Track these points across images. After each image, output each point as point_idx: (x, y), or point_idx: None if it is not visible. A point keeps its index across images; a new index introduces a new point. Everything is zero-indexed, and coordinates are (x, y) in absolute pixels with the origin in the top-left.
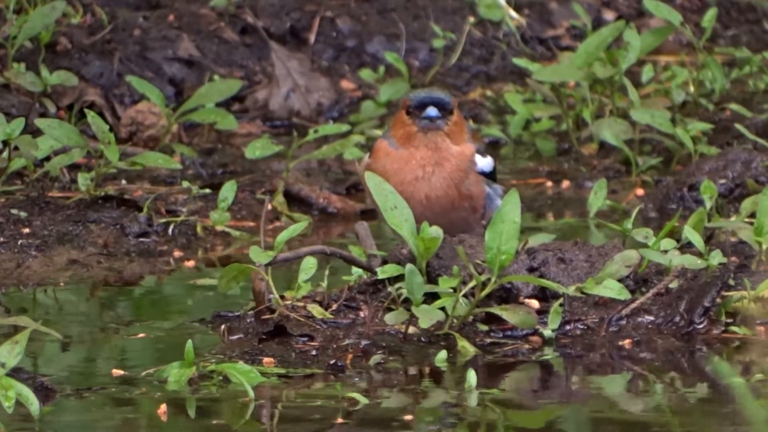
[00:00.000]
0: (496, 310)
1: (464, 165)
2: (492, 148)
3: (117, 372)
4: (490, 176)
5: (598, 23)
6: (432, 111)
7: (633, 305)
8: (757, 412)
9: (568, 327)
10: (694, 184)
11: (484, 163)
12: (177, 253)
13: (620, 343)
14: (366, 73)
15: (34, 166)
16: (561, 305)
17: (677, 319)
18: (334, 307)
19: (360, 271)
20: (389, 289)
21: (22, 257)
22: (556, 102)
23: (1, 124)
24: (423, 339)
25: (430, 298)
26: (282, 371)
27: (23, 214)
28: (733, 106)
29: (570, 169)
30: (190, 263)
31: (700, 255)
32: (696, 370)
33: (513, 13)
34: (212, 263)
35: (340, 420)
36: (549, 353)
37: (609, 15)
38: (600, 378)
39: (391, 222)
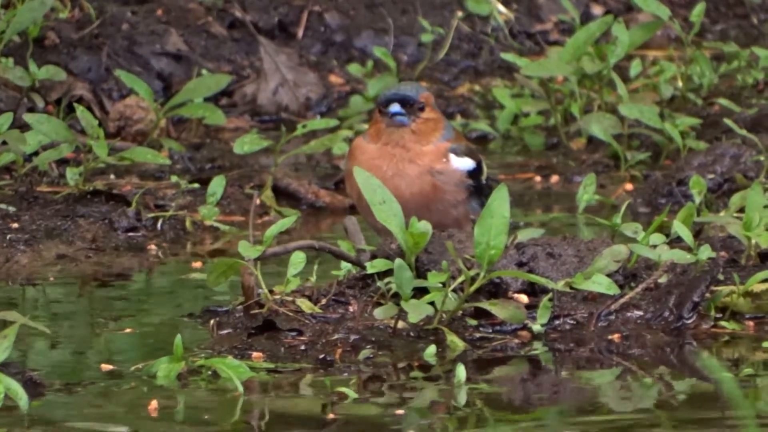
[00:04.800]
0: (485, 305)
1: (437, 162)
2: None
3: (106, 367)
4: (472, 177)
5: (586, 18)
6: (395, 107)
7: (622, 300)
8: (746, 408)
9: (557, 322)
10: (683, 179)
11: (460, 163)
12: (165, 248)
13: (609, 337)
14: (354, 68)
15: (22, 161)
16: (550, 300)
17: (666, 314)
18: (323, 301)
19: (349, 265)
20: (378, 283)
21: (11, 252)
22: (545, 97)
23: None
24: (412, 334)
25: (419, 292)
26: (271, 366)
27: (12, 208)
28: (722, 101)
29: (559, 164)
30: (179, 258)
31: (689, 250)
32: (685, 365)
33: (501, 8)
34: (201, 258)
35: (329, 415)
36: (538, 348)
37: (597, 9)
38: (589, 373)
39: (380, 217)
